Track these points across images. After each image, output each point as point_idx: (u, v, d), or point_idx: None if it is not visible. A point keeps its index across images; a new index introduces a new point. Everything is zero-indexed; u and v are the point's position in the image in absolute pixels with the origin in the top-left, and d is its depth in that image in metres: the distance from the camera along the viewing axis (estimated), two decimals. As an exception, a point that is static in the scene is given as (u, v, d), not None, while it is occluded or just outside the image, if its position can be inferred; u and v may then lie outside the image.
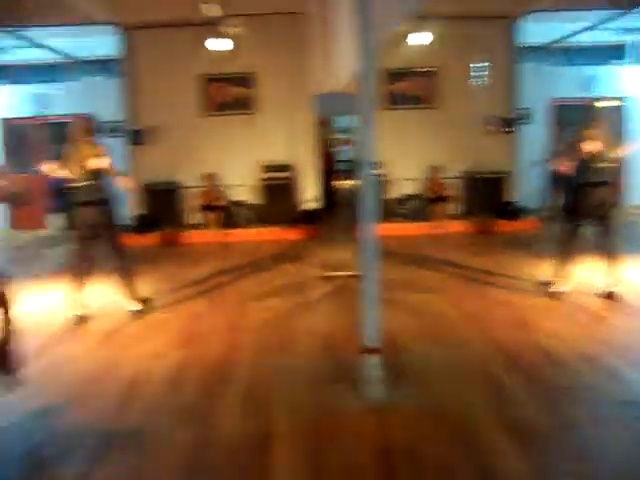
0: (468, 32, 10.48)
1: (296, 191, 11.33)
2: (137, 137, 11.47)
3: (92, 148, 5.94)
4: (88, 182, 5.91)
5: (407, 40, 10.46)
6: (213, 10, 9.52)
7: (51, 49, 12.15)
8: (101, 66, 14.91)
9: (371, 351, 4.18)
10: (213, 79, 11.39)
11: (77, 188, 5.97)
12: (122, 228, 11.22)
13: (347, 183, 7.29)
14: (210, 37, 10.80)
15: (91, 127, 6.12)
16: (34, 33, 11.01)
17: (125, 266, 6.27)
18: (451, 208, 11.09)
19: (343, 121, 7.28)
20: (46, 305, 6.82)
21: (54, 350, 5.41)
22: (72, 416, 4.10)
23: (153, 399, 4.29)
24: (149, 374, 4.75)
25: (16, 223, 12.98)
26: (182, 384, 4.54)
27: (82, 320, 6.06)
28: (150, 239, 10.54)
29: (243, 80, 11.35)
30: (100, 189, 6.00)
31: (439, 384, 4.40)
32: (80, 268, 6.11)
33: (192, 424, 3.88)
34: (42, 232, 12.19)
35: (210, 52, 11.00)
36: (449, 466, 3.30)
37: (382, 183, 10.37)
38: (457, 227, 10.65)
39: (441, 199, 10.89)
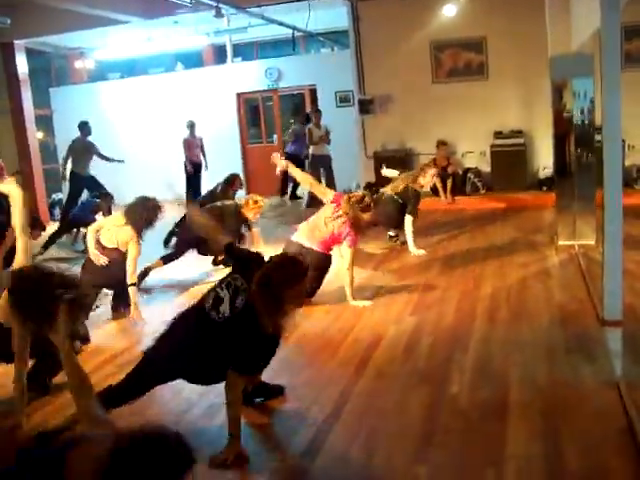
0: None
1: (529, 158, 10.98)
2: (367, 106, 11.73)
3: None
4: None
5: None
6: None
7: (282, 24, 12.81)
8: (331, 38, 15.45)
9: (612, 324, 4.00)
10: (442, 46, 11.30)
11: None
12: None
13: (585, 149, 6.93)
14: (439, 3, 10.71)
15: None
16: (267, 10, 11.67)
17: None
18: None
19: (580, 84, 6.88)
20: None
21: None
22: (309, 376, 4.39)
23: (387, 363, 4.44)
24: (384, 339, 4.92)
25: (251, 189, 14.04)
26: (415, 350, 4.64)
27: None
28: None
29: (473, 45, 11.14)
30: None
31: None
32: None
33: (425, 389, 3.97)
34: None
35: (438, 18, 10.92)
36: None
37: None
38: None
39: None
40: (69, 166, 11.72)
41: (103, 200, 9.84)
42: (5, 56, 12.64)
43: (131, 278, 5.82)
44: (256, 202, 7.18)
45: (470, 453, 3.24)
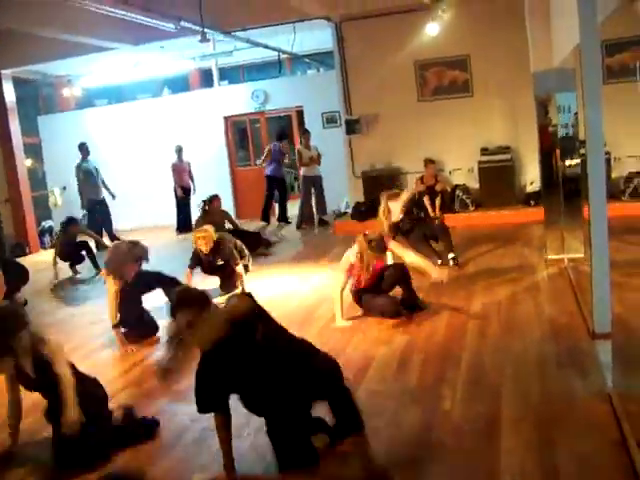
0: None
1: (517, 173, 11.05)
2: (353, 126, 11.79)
3: None
4: None
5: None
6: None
7: (268, 47, 12.91)
8: (317, 60, 15.58)
9: (602, 336, 4.01)
10: (426, 64, 11.39)
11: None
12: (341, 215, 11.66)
13: (571, 163, 6.99)
14: (422, 22, 10.81)
15: None
16: (252, 33, 11.76)
17: None
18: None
19: (564, 98, 6.95)
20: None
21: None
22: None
23: (380, 382, 4.43)
24: (376, 358, 4.91)
25: (240, 212, 14.20)
26: (407, 368, 4.63)
27: None
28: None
29: (457, 63, 11.24)
30: None
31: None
32: None
33: (419, 407, 3.96)
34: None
35: (422, 37, 11.02)
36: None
37: (606, 161, 9.69)
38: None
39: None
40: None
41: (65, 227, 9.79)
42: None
43: (111, 319, 5.78)
44: (200, 233, 7.15)
45: (464, 469, 3.23)
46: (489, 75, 10.94)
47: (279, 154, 12.70)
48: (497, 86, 10.86)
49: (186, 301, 3.34)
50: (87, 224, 11.96)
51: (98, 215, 12.38)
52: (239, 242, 7.75)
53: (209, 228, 7.22)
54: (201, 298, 3.38)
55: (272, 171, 12.77)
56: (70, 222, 9.86)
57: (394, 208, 7.70)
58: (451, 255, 7.70)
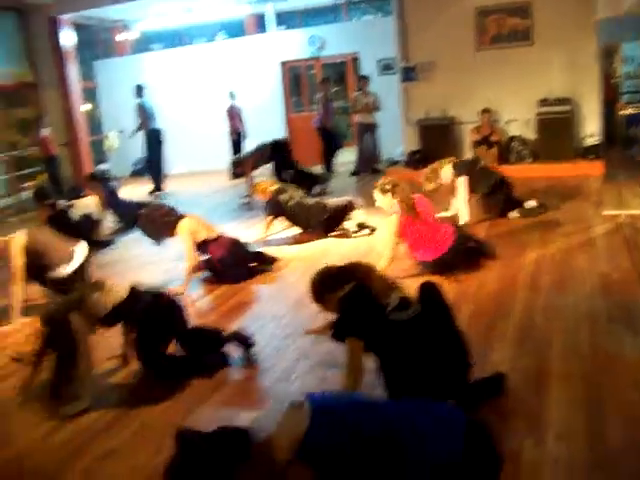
0: None
1: (575, 125, 10.77)
2: (409, 74, 11.61)
3: None
4: None
5: None
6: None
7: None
8: (374, 5, 15.30)
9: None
10: (486, 11, 11.08)
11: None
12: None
13: (632, 115, 6.80)
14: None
15: None
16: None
17: None
18: None
19: (631, 48, 6.71)
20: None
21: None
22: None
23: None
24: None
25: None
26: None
27: None
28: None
29: (519, 10, 10.90)
30: None
31: None
32: None
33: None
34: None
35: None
36: None
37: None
38: None
39: None
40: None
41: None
42: (52, 30, 12.81)
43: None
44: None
45: (511, 421, 3.26)
46: (551, 23, 10.55)
47: (327, 103, 12.49)
48: (559, 34, 10.48)
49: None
50: (149, 156, 12.40)
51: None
52: None
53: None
54: None
55: (318, 122, 12.53)
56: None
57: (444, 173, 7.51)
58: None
